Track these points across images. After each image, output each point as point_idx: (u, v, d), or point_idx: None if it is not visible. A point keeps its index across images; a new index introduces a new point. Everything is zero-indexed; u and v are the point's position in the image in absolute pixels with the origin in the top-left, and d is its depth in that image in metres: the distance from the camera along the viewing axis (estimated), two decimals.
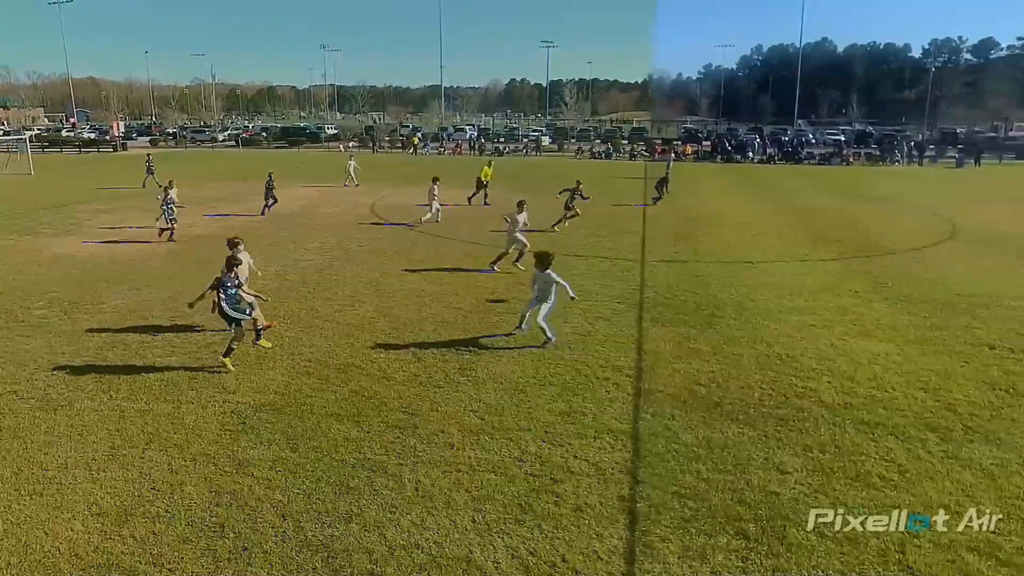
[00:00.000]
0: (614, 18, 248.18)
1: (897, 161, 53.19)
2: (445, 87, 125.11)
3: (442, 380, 9.55)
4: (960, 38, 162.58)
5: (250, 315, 10.06)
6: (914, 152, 55.31)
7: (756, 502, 6.72)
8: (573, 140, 73.95)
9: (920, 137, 68.80)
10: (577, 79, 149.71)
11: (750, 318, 12.29)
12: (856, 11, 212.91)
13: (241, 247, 10.82)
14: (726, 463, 7.42)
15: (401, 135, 74.04)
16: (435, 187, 21.78)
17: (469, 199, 26.85)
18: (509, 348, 10.75)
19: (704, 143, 65.43)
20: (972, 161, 51.48)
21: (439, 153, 63.75)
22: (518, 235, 15.61)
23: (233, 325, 9.75)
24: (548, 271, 10.58)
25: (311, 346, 10.83)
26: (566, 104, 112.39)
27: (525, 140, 70.25)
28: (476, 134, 78.22)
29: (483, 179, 27.22)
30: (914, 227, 22.53)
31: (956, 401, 8.91)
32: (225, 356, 9.78)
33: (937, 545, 6.08)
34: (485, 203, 26.48)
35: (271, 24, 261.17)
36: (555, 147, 68.26)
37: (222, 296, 9.53)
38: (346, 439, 7.94)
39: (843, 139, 70.03)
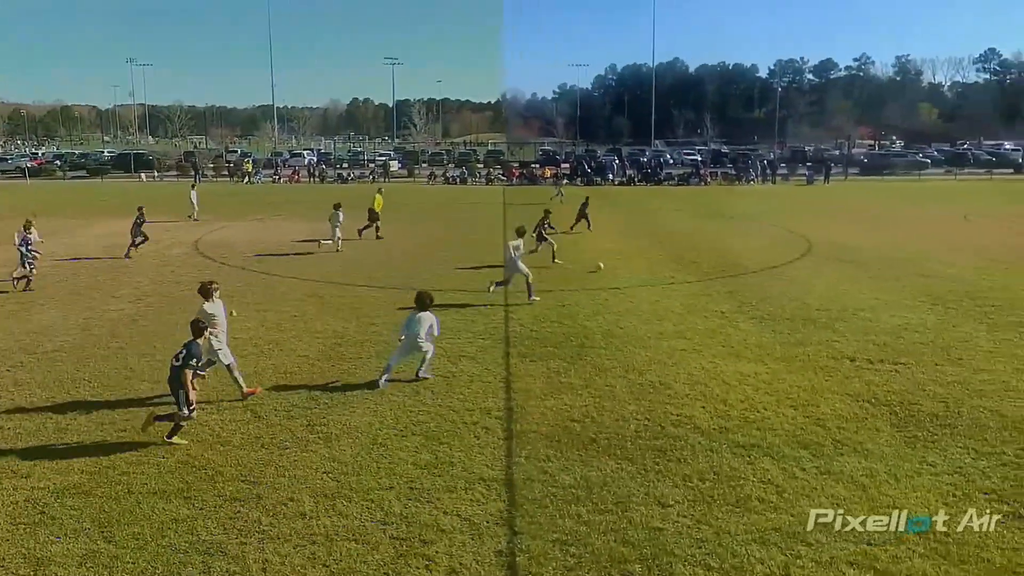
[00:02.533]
0: (463, 35, 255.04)
1: (752, 180, 58.17)
2: (278, 107, 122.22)
3: (288, 440, 9.15)
4: (802, 59, 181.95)
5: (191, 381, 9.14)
6: (767, 170, 60.76)
7: (640, 541, 6.95)
8: (425, 164, 74.51)
9: (772, 155, 75.68)
10: (426, 99, 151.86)
11: (620, 346, 12.84)
12: (704, 32, 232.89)
13: (216, 292, 10.50)
14: (607, 502, 7.63)
15: (228, 161, 71.15)
16: (339, 214, 23.25)
17: (360, 231, 26.18)
18: (364, 397, 10.51)
19: (563, 165, 68.14)
20: (821, 178, 57.31)
21: (274, 181, 61.84)
22: (520, 264, 16.36)
23: (183, 400, 8.96)
24: (426, 313, 10.96)
25: (126, 412, 10.01)
26: (415, 126, 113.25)
27: (372, 165, 69.90)
28: (316, 159, 76.76)
29: (376, 209, 26.69)
30: (772, 245, 24.65)
31: (824, 416, 9.75)
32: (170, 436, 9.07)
33: (819, 563, 6.57)
34: (378, 236, 26.00)
35: (64, 34, 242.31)
36: (405, 172, 68.39)
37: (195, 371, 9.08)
38: (174, 520, 7.36)
39: (700, 159, 75.63)
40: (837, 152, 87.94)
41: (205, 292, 10.48)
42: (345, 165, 72.54)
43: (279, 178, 63.27)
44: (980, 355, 12.28)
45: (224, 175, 64.71)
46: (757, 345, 12.94)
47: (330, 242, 23.46)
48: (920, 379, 11.12)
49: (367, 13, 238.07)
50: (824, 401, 10.28)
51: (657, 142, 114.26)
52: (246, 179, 60.76)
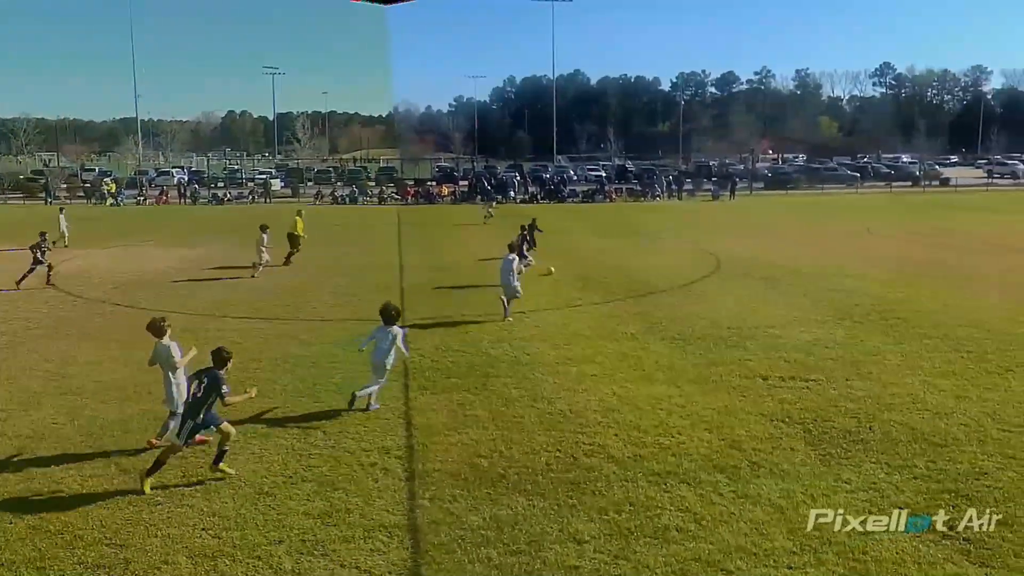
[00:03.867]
0: (350, 44, 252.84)
1: (658, 196, 60.22)
2: (142, 120, 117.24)
3: (160, 495, 8.70)
4: (704, 72, 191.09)
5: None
6: (673, 186, 63.07)
7: None
8: (311, 183, 73.26)
9: (677, 171, 78.62)
10: (311, 111, 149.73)
11: (528, 374, 12.94)
12: (605, 44, 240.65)
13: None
14: (519, 542, 7.62)
15: (84, 181, 67.64)
16: (264, 236, 23.67)
17: (287, 259, 25.62)
18: (248, 442, 10.14)
19: (461, 182, 68.49)
20: (727, 193, 59.96)
21: (138, 203, 59.24)
22: (516, 284, 17.40)
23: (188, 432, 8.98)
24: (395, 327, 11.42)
25: None
26: (299, 141, 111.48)
27: (251, 184, 68.11)
28: (187, 178, 74.08)
29: (297, 233, 26.23)
30: (681, 262, 25.53)
31: (739, 438, 10.12)
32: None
33: None
34: (286, 262, 25.49)
35: None
36: (289, 192, 66.98)
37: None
38: None
39: (604, 175, 77.69)
40: (742, 167, 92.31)
41: (157, 330, 10.03)
42: (221, 184, 70.36)
43: (145, 199, 60.64)
44: (889, 369, 13.06)
45: (80, 196, 61.44)
46: (669, 367, 13.32)
47: (259, 266, 23.45)
48: (832, 395, 11.72)
49: (244, 16, 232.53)
50: (738, 422, 10.66)
51: (560, 157, 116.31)
52: (108, 201, 57.94)
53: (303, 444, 10.08)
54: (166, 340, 10.06)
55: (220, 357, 9.29)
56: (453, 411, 11.23)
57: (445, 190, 62.35)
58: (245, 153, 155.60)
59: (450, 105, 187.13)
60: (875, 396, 11.67)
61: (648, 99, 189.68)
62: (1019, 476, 8.80)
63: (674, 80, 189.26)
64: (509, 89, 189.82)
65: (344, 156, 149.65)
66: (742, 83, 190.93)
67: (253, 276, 23.05)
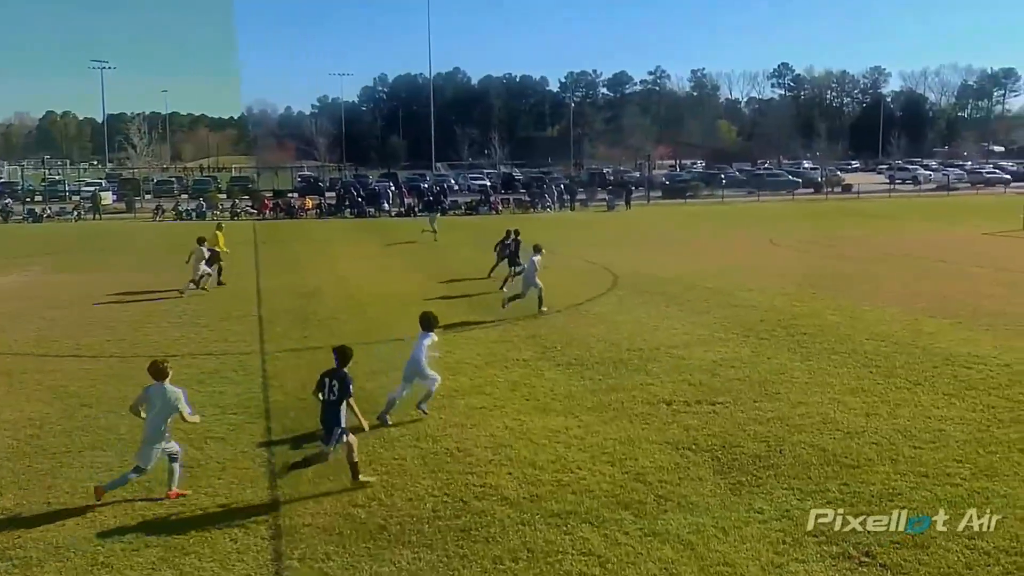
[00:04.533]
0: (194, 34, 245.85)
1: (548, 206, 61.31)
2: None
3: None
4: (595, 71, 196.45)
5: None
6: (564, 196, 64.36)
7: None
8: (149, 195, 70.49)
9: (568, 179, 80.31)
10: (148, 112, 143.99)
11: (408, 409, 12.80)
12: (487, 39, 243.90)
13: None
14: None
15: None
16: (203, 250, 24.51)
17: (216, 280, 25.74)
18: (76, 503, 9.56)
19: (328, 194, 67.60)
20: (622, 203, 61.70)
21: None
22: (537, 279, 20.34)
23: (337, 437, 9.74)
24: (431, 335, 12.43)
25: None
26: (134, 147, 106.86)
27: (76, 198, 64.87)
28: None
29: (219, 249, 26.44)
30: (574, 279, 26.01)
31: (644, 469, 10.35)
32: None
33: None
34: (220, 282, 25.84)
35: None
36: (123, 206, 64.12)
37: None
38: None
39: (489, 184, 78.43)
40: (638, 174, 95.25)
41: (159, 371, 9.77)
42: (39, 198, 66.64)
43: None
44: (797, 387, 13.71)
45: None
46: (566, 395, 13.50)
47: (192, 285, 24.29)
48: (739, 419, 12.18)
49: (68, 1, 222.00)
50: (642, 453, 10.91)
51: (439, 165, 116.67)
52: None
53: (146, 503, 9.60)
54: (168, 383, 9.79)
55: (346, 355, 10.15)
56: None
57: (309, 203, 61.35)
58: (68, 161, 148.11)
59: (313, 106, 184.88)
60: (784, 417, 12.21)
61: (535, 100, 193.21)
62: (933, 496, 9.38)
63: (563, 80, 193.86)
64: (380, 88, 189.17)
65: (189, 164, 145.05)
66: (635, 84, 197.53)
67: (182, 294, 23.62)
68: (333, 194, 67.13)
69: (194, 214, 57.79)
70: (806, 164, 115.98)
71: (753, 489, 9.74)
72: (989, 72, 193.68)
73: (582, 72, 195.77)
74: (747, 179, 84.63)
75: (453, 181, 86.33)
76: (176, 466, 9.80)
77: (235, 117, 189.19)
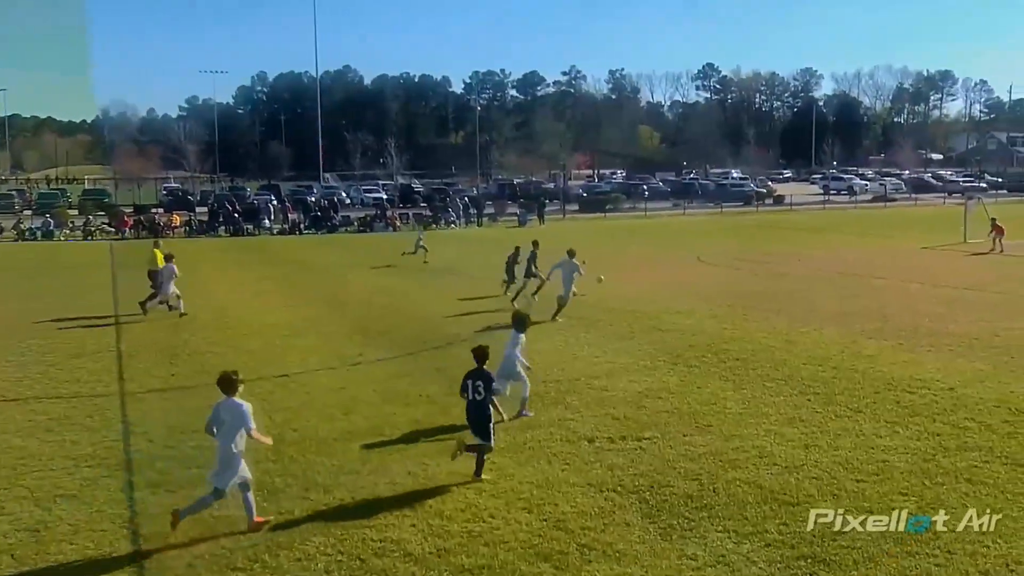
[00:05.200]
0: (36, 23, 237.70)
1: (453, 222, 61.47)
2: None
3: None
4: (503, 71, 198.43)
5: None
6: (471, 210, 64.63)
7: None
8: None
9: (475, 191, 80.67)
10: None
11: (296, 456, 12.57)
12: (380, 33, 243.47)
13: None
14: None
15: None
16: (172, 266, 25.28)
17: (144, 304, 25.49)
18: None
19: (199, 209, 66.22)
20: (535, 217, 62.26)
21: None
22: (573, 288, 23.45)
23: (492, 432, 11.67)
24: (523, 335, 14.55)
25: None
26: None
27: None
28: None
29: (158, 269, 26.30)
30: (485, 303, 26.04)
31: (565, 515, 10.37)
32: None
33: None
34: (145, 301, 25.74)
35: None
36: None
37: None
38: None
39: (386, 197, 78.19)
40: (552, 185, 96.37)
41: (230, 384, 10.36)
42: None
43: None
44: (730, 419, 13.99)
45: None
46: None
47: (163, 306, 25.15)
48: (669, 455, 12.35)
49: None
50: (562, 497, 10.94)
51: (328, 176, 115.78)
52: None
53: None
54: (237, 398, 10.31)
55: (484, 354, 12.01)
56: (198, 514, 10.65)
57: (177, 219, 60.04)
58: None
59: (181, 108, 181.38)
60: (717, 452, 12.43)
61: (437, 103, 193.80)
62: (879, 533, 9.67)
63: (468, 81, 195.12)
64: (260, 88, 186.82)
65: (33, 175, 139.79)
66: (548, 85, 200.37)
67: (144, 312, 24.67)
68: (205, 209, 65.78)
69: (39, 233, 55.83)
70: (735, 174, 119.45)
71: (685, 533, 9.86)
72: (925, 75, 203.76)
73: (489, 72, 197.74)
74: (672, 190, 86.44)
75: (344, 194, 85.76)
76: (249, 494, 10.24)
77: (88, 120, 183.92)
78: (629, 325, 22.05)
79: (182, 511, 10.04)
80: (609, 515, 10.39)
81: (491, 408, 11.82)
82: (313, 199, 71.82)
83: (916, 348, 18.87)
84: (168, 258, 25.76)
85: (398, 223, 60.64)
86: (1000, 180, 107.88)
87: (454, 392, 15.81)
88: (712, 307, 24.51)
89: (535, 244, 27.91)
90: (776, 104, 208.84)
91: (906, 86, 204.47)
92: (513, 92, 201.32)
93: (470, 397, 11.71)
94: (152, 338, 21.69)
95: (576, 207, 75.84)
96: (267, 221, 60.29)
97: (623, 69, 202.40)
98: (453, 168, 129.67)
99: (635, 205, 76.54)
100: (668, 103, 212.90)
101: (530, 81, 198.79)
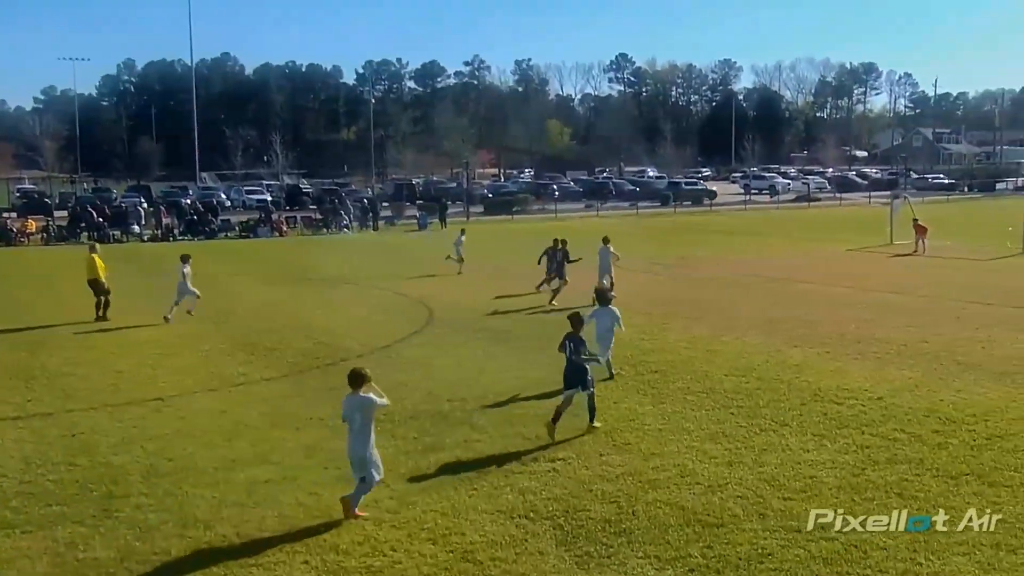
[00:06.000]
0: None
1: (345, 226, 60.95)
2: None
3: None
4: (400, 61, 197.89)
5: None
6: (367, 213, 64.23)
7: None
8: None
9: (370, 192, 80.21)
10: None
11: (172, 489, 12.30)
12: (263, 18, 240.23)
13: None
14: None
15: None
16: (186, 267, 26.28)
17: (103, 312, 26.18)
18: None
19: (58, 213, 64.34)
20: (436, 220, 62.21)
21: None
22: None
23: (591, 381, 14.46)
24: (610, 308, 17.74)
25: None
26: None
27: None
28: None
29: (100, 278, 26.55)
30: (381, 315, 25.96)
31: (473, 545, 10.37)
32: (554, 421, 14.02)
33: None
34: (100, 315, 26.24)
35: None
36: None
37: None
38: None
39: (271, 199, 77.18)
40: (454, 185, 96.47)
41: (360, 379, 11.40)
42: None
43: None
44: (649, 436, 14.18)
45: None
46: None
47: (174, 309, 25.82)
48: (584, 477, 12.45)
49: None
50: (470, 525, 10.93)
51: (206, 175, 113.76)
52: None
53: None
54: (362, 392, 11.38)
55: (579, 319, 15.09)
56: (59, 556, 10.37)
57: (32, 225, 58.22)
58: None
59: (36, 100, 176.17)
60: (636, 472, 12.58)
61: (327, 96, 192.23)
62: (807, 554, 9.91)
63: (361, 71, 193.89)
64: (127, 78, 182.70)
65: None
66: (449, 76, 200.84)
67: (167, 319, 25.23)
68: (65, 213, 63.89)
69: None
70: (651, 172, 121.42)
71: (603, 561, 9.94)
72: (848, 67, 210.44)
73: (384, 61, 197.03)
74: (585, 190, 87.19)
75: (224, 196, 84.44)
76: (365, 487, 11.29)
77: None
78: (539, 337, 22.10)
79: (351, 499, 11.23)
80: (521, 544, 10.42)
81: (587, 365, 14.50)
82: (188, 201, 70.44)
83: (843, 356, 19.44)
84: (185, 259, 26.78)
85: (284, 228, 59.85)
86: (927, 178, 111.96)
87: None
88: (629, 315, 24.68)
89: (563, 243, 29.30)
90: (694, 98, 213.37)
91: (828, 79, 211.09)
92: (411, 84, 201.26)
93: (568, 354, 14.42)
94: (3, 360, 20.95)
95: (481, 209, 76.02)
96: (136, 226, 58.82)
97: (530, 59, 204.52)
98: (345, 167, 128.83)
99: (544, 206, 77.05)
100: (579, 96, 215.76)
101: (429, 72, 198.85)
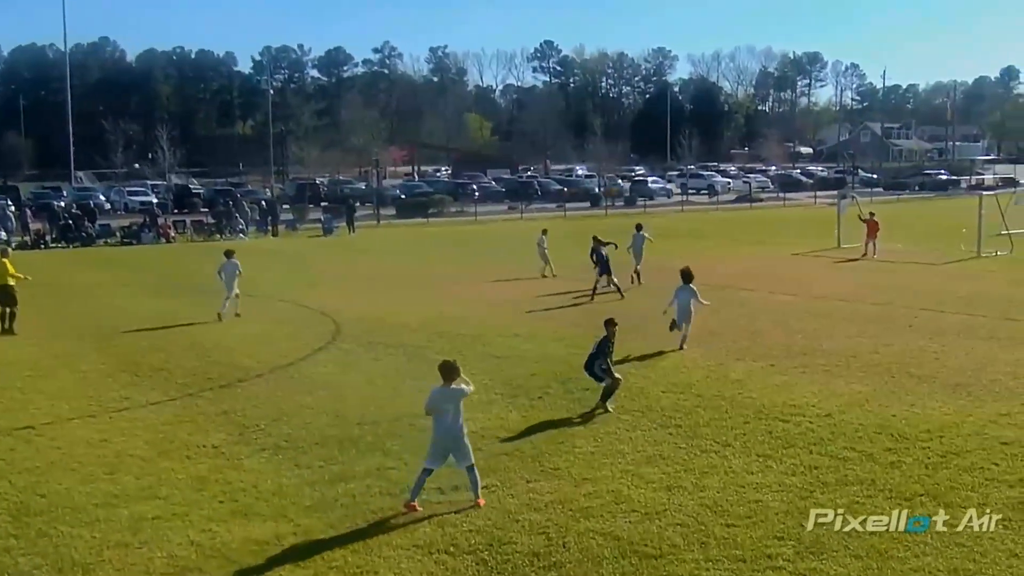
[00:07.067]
0: None
1: (241, 231, 60.25)
2: None
3: None
4: (301, 47, 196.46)
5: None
6: (265, 216, 63.56)
7: None
8: None
9: (269, 193, 79.42)
10: None
11: (45, 528, 12.07)
12: (146, 1, 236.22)
13: None
14: None
15: None
16: (234, 262, 28.64)
17: (8, 325, 26.44)
18: None
19: None
20: (343, 224, 61.82)
21: None
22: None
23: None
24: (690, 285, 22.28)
25: None
26: None
27: None
28: None
29: (9, 284, 26.62)
30: (281, 330, 25.73)
31: None
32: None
33: None
34: (7, 328, 26.41)
35: None
36: None
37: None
38: None
39: (156, 201, 75.98)
40: (363, 186, 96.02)
41: (452, 371, 13.01)
42: None
43: None
44: (580, 460, 14.25)
45: None
46: (275, 492, 13.23)
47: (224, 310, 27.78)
48: (510, 506, 12.47)
49: None
50: (384, 563, 10.89)
51: (82, 175, 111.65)
52: None
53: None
54: (454, 385, 12.90)
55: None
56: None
57: None
58: None
59: None
60: (567, 500, 12.63)
61: (219, 86, 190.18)
62: None
63: (258, 58, 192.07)
64: None
65: None
66: (356, 64, 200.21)
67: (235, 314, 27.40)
68: None
69: None
70: (580, 171, 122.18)
71: None
72: (791, 57, 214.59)
73: (283, 48, 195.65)
74: (508, 190, 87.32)
75: (103, 197, 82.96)
76: (477, 474, 12.70)
77: None
78: (460, 352, 22.06)
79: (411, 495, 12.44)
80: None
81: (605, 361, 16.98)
82: (62, 204, 69.02)
83: (789, 369, 19.78)
84: (229, 254, 29.09)
85: (172, 233, 58.91)
86: (874, 177, 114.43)
87: (246, 440, 15.64)
88: (557, 327, 24.94)
89: (598, 240, 32.44)
90: (626, 89, 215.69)
91: (770, 70, 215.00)
92: (314, 73, 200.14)
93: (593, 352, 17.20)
94: None
95: (392, 211, 75.71)
96: (2, 232, 57.44)
97: (446, 47, 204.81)
98: (241, 165, 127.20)
99: (463, 208, 77.08)
100: (500, 87, 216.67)
101: (334, 60, 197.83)
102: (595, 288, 31.12)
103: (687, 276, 22.39)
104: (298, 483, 13.56)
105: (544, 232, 38.17)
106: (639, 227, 35.30)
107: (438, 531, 11.73)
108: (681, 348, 22.12)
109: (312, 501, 12.85)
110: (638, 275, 34.10)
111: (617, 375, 17.21)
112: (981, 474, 13.23)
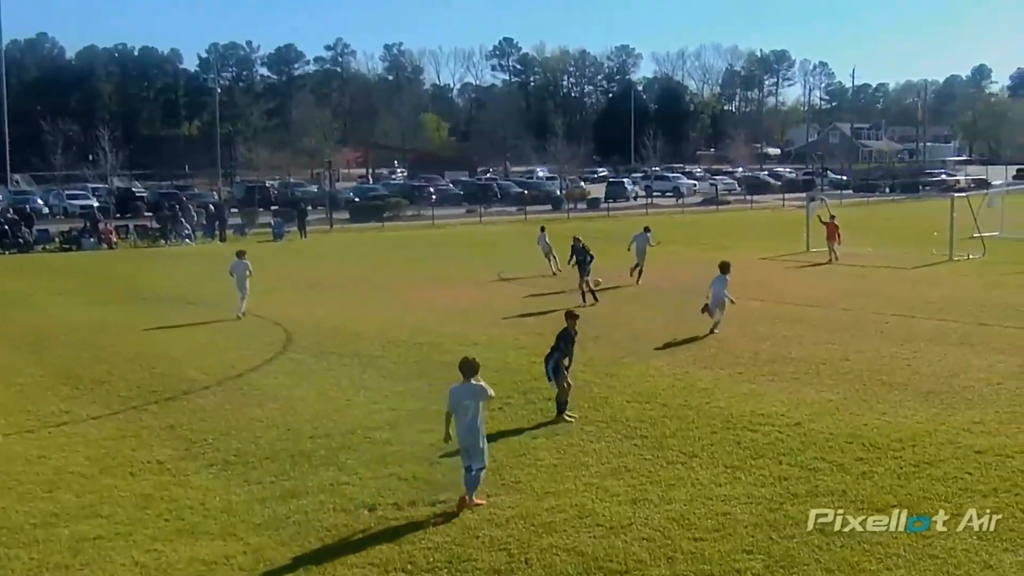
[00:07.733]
0: None
1: (187, 236, 59.77)
2: None
3: None
4: (250, 44, 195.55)
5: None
6: (213, 221, 63.11)
7: None
8: None
9: (216, 196, 78.88)
10: None
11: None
12: None
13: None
14: None
15: None
16: (246, 263, 29.86)
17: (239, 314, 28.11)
18: None
19: None
20: (295, 229, 61.52)
21: None
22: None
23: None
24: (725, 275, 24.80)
25: None
26: None
27: None
28: None
29: None
30: (230, 340, 25.57)
31: None
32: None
33: None
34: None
35: None
36: None
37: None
38: None
39: (98, 205, 75.24)
40: (316, 188, 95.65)
41: (472, 368, 13.35)
42: None
43: None
44: (543, 473, 14.26)
45: None
46: (224, 510, 13.13)
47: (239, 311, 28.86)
48: (470, 521, 12.44)
49: None
50: None
51: (18, 178, 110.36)
52: None
53: None
54: (474, 380, 13.25)
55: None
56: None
57: None
58: None
59: None
60: (528, 514, 12.62)
61: (163, 84, 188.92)
62: None
63: (204, 55, 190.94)
64: None
65: None
66: (308, 62, 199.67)
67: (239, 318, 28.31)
68: None
69: None
70: (541, 172, 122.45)
71: None
72: (758, 55, 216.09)
73: (231, 45, 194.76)
74: (466, 193, 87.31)
75: (41, 201, 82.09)
76: (477, 477, 12.92)
77: None
78: (416, 362, 22.10)
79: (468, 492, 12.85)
80: None
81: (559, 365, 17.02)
82: None
83: (757, 377, 19.89)
84: (240, 254, 30.47)
85: (114, 238, 58.32)
86: (843, 178, 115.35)
87: (193, 455, 15.57)
88: (518, 335, 24.94)
89: (581, 242, 32.71)
90: (588, 89, 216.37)
91: (737, 68, 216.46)
92: (263, 71, 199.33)
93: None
94: None
95: (346, 215, 75.40)
96: None
97: (401, 44, 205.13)
98: (187, 167, 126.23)
99: (420, 212, 76.77)
100: (458, 86, 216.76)
101: (284, 57, 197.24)
102: (591, 291, 30.92)
103: (724, 267, 25.07)
104: (248, 500, 13.47)
105: (542, 229, 39.72)
106: (647, 229, 37.09)
107: (395, 548, 11.68)
108: (712, 332, 24.59)
109: (262, 518, 12.77)
110: (639, 273, 35.45)
111: (568, 381, 17.21)
112: (955, 484, 13.34)
